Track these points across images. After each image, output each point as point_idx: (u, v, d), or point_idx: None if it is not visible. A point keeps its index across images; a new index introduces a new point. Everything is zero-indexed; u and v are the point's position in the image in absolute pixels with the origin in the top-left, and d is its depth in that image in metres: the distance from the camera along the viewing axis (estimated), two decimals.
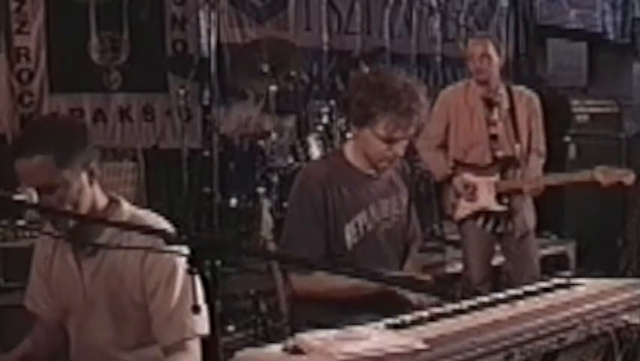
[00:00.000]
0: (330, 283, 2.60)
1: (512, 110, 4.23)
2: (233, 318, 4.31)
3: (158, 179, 5.49)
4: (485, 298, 2.23)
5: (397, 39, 6.85)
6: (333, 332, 1.81)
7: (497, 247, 4.40)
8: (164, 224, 2.19)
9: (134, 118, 5.60)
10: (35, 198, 2.01)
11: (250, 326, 4.29)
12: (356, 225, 2.77)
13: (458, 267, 4.75)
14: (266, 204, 4.65)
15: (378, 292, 2.56)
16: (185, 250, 1.60)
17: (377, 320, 1.99)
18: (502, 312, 2.05)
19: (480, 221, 4.22)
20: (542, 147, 4.31)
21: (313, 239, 2.67)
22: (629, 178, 3.86)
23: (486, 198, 4.18)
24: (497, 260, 4.54)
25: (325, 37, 6.44)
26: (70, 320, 2.27)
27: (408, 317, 2.02)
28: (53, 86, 5.28)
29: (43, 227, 2.35)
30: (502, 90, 4.25)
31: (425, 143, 4.33)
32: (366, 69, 5.41)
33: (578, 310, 2.03)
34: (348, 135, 4.02)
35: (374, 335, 1.80)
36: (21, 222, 3.88)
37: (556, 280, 2.48)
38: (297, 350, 1.74)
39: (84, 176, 2.12)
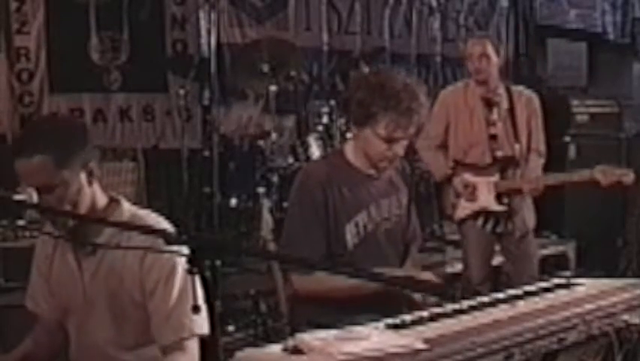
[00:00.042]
0: (330, 283, 2.60)
1: (512, 110, 4.23)
2: (233, 318, 4.31)
3: (158, 179, 5.49)
4: (485, 298, 2.23)
5: (397, 39, 6.85)
6: (333, 332, 1.81)
7: (497, 247, 4.40)
8: (164, 224, 2.19)
9: (134, 118, 5.60)
10: (35, 198, 2.01)
11: (250, 326, 4.29)
12: (356, 225, 2.77)
13: (458, 267, 4.75)
14: (266, 204, 4.65)
15: (378, 291, 2.56)
16: (185, 250, 1.60)
17: (377, 320, 1.99)
18: (502, 312, 2.05)
19: (480, 221, 4.22)
20: (542, 147, 4.31)
21: (314, 239, 2.67)
22: (629, 178, 3.86)
23: (486, 198, 4.18)
24: (497, 260, 4.54)
25: (325, 37, 6.44)
26: (70, 320, 2.27)
27: (408, 317, 2.02)
28: (53, 86, 5.28)
29: (43, 227, 2.35)
30: (502, 90, 4.25)
31: (425, 143, 4.33)
32: (366, 69, 5.41)
33: (578, 310, 2.03)
34: (348, 135, 4.02)
35: (374, 335, 1.80)
36: (21, 222, 3.89)
37: (556, 280, 2.48)
38: (297, 350, 1.74)
39: (83, 176, 2.12)
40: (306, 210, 2.70)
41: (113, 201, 2.24)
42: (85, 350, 2.25)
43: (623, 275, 5.65)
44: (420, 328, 1.91)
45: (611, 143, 6.53)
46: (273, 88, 5.12)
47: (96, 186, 2.18)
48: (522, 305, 2.12)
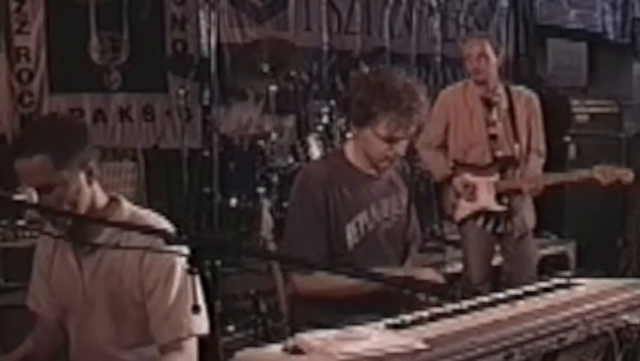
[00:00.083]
0: (331, 283, 2.60)
1: (511, 110, 4.23)
2: (233, 318, 4.31)
3: (158, 179, 5.49)
4: (485, 298, 2.22)
5: (397, 39, 6.85)
6: (333, 332, 1.81)
7: (497, 247, 4.40)
8: (164, 224, 2.19)
9: (134, 118, 5.60)
10: (35, 198, 2.01)
11: (250, 326, 4.29)
12: (357, 225, 2.77)
13: (458, 267, 4.75)
14: (266, 204, 4.66)
15: (378, 291, 2.56)
16: (185, 250, 1.60)
17: (377, 320, 1.99)
18: (502, 312, 2.05)
19: (480, 221, 4.22)
20: (542, 147, 4.31)
21: (315, 238, 2.67)
22: (628, 177, 3.86)
23: (486, 198, 4.18)
24: (497, 260, 4.54)
25: (325, 37, 6.44)
26: (70, 320, 2.27)
27: (408, 317, 2.02)
28: (53, 86, 5.28)
29: (43, 227, 2.35)
30: (501, 90, 4.25)
31: (425, 143, 4.34)
32: (366, 69, 5.42)
33: (578, 310, 2.03)
34: (348, 135, 4.02)
35: (374, 335, 1.80)
36: (21, 222, 3.89)
37: (556, 280, 2.48)
38: (297, 350, 1.74)
39: (82, 176, 2.12)
40: (306, 210, 2.71)
41: (113, 201, 2.24)
42: (85, 350, 2.25)
43: (623, 275, 5.65)
44: (420, 328, 1.91)
45: (611, 143, 6.53)
46: (273, 88, 5.12)
47: (96, 186, 2.18)
48: (522, 305, 2.12)
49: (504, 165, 4.20)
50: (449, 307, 2.13)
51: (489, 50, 4.15)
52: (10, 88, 5.13)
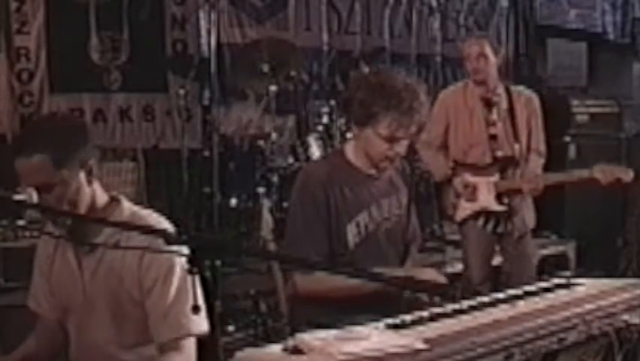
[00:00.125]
0: (332, 283, 2.60)
1: (511, 110, 4.23)
2: (233, 318, 4.31)
3: (158, 179, 5.49)
4: (485, 298, 2.22)
5: (397, 39, 6.85)
6: (333, 332, 1.81)
7: (497, 247, 4.40)
8: (165, 224, 2.19)
9: (134, 118, 5.60)
10: (35, 198, 2.01)
11: (250, 326, 4.29)
12: (357, 225, 2.77)
13: (458, 267, 4.75)
14: (266, 204, 4.65)
15: (378, 291, 2.56)
16: (185, 250, 1.60)
17: (377, 320, 1.99)
18: (502, 312, 2.05)
19: (480, 221, 4.22)
20: (542, 147, 4.31)
21: (316, 238, 2.68)
22: (628, 176, 3.86)
23: (486, 199, 4.18)
24: (497, 260, 4.54)
25: (325, 37, 6.44)
26: (71, 319, 2.27)
27: (408, 317, 2.02)
28: (53, 86, 5.28)
29: (43, 227, 2.35)
30: (501, 90, 4.25)
31: (425, 144, 4.33)
32: (366, 69, 5.42)
33: (578, 310, 2.03)
34: (349, 135, 4.02)
35: (374, 335, 1.80)
36: (21, 222, 3.89)
37: (556, 280, 2.48)
38: (297, 350, 1.74)
39: (82, 175, 2.12)
40: (307, 210, 2.71)
41: (114, 201, 2.24)
42: (85, 350, 2.25)
43: (623, 275, 5.65)
44: (420, 328, 1.91)
45: (611, 143, 6.53)
46: (273, 88, 5.12)
47: (96, 185, 2.19)
48: (522, 305, 2.12)
49: (504, 165, 4.20)
50: (449, 307, 2.13)
51: (488, 50, 4.15)
52: (10, 88, 5.13)
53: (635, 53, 8.13)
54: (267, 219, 3.22)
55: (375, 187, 2.85)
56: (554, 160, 4.61)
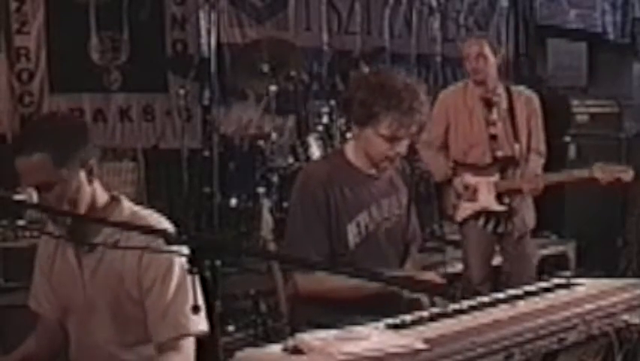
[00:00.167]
0: (333, 283, 2.60)
1: (511, 110, 4.23)
2: (233, 318, 4.31)
3: (158, 179, 5.49)
4: (485, 298, 2.23)
5: (397, 39, 6.85)
6: (333, 332, 1.81)
7: (497, 247, 4.40)
8: (165, 224, 2.19)
9: (134, 118, 5.60)
10: (35, 198, 2.01)
11: (250, 326, 4.29)
12: (358, 225, 2.77)
13: (458, 267, 4.75)
14: (266, 204, 4.65)
15: (379, 293, 2.56)
16: (185, 249, 1.60)
17: (377, 320, 1.99)
18: (502, 312, 2.05)
19: (481, 221, 4.22)
20: (542, 147, 4.31)
21: (316, 238, 2.68)
22: (628, 175, 3.85)
23: (486, 199, 4.18)
24: (497, 260, 4.54)
25: (325, 37, 6.44)
26: (71, 319, 2.27)
27: (408, 317, 2.02)
28: (53, 86, 5.28)
29: (44, 227, 2.35)
30: (501, 90, 4.25)
31: (425, 144, 4.33)
32: (366, 69, 5.42)
33: (578, 310, 2.03)
34: (349, 135, 4.02)
35: (374, 335, 1.80)
36: (21, 222, 3.89)
37: (556, 280, 2.48)
38: (297, 350, 1.74)
39: (83, 174, 2.13)
40: (308, 210, 2.71)
41: (114, 200, 2.24)
42: (85, 350, 2.25)
43: (623, 275, 5.65)
44: (420, 328, 1.91)
45: (611, 143, 6.53)
46: (273, 88, 5.12)
47: (97, 185, 2.19)
48: (522, 305, 2.12)
49: (504, 165, 4.20)
50: (449, 307, 2.13)
51: (487, 50, 4.15)
52: (10, 88, 5.13)
53: (635, 53, 8.13)
54: (267, 219, 3.22)
55: (376, 187, 2.85)
56: (554, 160, 4.61)
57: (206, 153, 5.12)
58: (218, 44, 5.51)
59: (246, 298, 4.49)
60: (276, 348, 1.79)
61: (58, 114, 3.97)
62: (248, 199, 5.11)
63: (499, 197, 4.16)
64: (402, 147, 2.73)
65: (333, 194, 2.72)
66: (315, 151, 4.84)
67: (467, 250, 4.33)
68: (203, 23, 5.30)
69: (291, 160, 4.92)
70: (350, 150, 2.85)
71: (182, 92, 5.36)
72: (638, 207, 6.24)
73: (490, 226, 4.22)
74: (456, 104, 4.28)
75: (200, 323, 2.04)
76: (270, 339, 3.73)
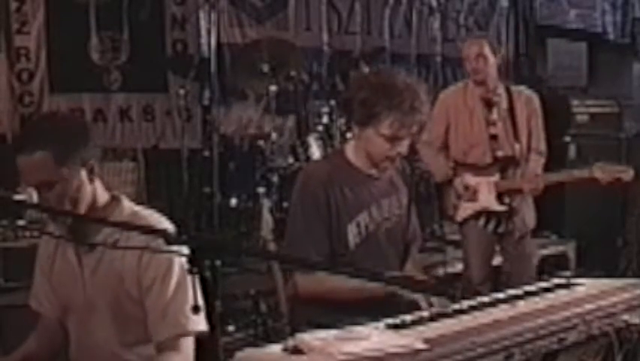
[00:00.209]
0: (333, 284, 2.60)
1: (511, 109, 4.23)
2: (233, 318, 4.31)
3: (158, 179, 5.49)
4: (485, 298, 2.23)
5: (397, 39, 6.85)
6: (333, 332, 1.81)
7: (497, 247, 4.40)
8: (165, 223, 2.19)
9: (134, 118, 5.60)
10: (35, 198, 2.01)
11: (250, 326, 4.29)
12: (358, 225, 2.77)
13: (458, 267, 4.75)
14: (266, 204, 4.65)
15: (379, 294, 2.56)
16: (185, 249, 1.60)
17: (377, 320, 1.99)
18: (502, 312, 2.05)
19: (481, 221, 4.22)
20: (542, 147, 4.31)
21: (317, 238, 2.68)
22: (628, 174, 3.86)
23: (486, 199, 4.18)
24: (497, 260, 4.54)
25: (325, 37, 6.44)
26: (71, 319, 2.27)
27: (408, 317, 2.02)
28: (53, 86, 5.28)
29: (43, 227, 2.35)
30: (501, 90, 4.25)
31: (426, 144, 4.34)
32: (366, 69, 5.42)
33: (578, 310, 2.03)
34: (349, 135, 4.02)
35: (374, 335, 1.80)
36: (21, 222, 3.89)
37: (556, 280, 2.48)
38: (297, 350, 1.74)
39: (83, 173, 2.13)
40: (308, 210, 2.71)
41: (114, 200, 2.24)
42: (85, 350, 2.25)
43: (623, 275, 5.65)
44: (420, 328, 1.91)
45: (611, 143, 6.53)
46: (273, 88, 5.12)
47: (97, 184, 2.19)
48: (522, 305, 2.12)
49: (504, 165, 4.20)
50: (449, 307, 2.13)
51: (487, 50, 4.16)
52: (10, 88, 5.13)
53: (635, 53, 8.12)
54: (267, 219, 3.22)
55: (376, 187, 2.85)
56: (554, 160, 4.61)
57: (206, 153, 5.12)
58: (218, 44, 5.51)
59: (246, 298, 4.49)
60: (276, 348, 1.79)
61: (59, 113, 3.98)
62: (248, 199, 5.11)
63: (499, 197, 4.16)
64: (403, 147, 2.73)
65: (334, 194, 2.72)
66: (315, 151, 4.84)
67: (467, 250, 4.33)
68: (203, 23, 5.30)
69: (291, 160, 4.92)
70: (350, 150, 2.85)
71: (182, 92, 5.36)
72: (638, 207, 6.24)
73: (490, 226, 4.22)
74: (456, 104, 4.28)
75: (200, 323, 2.04)
76: (270, 339, 3.73)
